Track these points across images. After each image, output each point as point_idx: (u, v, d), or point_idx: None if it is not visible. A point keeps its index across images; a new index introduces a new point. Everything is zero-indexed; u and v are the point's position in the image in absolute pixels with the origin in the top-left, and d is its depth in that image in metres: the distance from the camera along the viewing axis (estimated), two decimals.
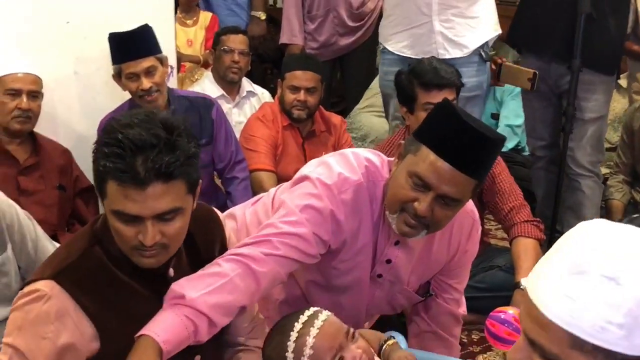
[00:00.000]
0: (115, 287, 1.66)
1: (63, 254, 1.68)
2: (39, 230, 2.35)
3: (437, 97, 2.59)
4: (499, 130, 4.24)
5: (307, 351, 1.61)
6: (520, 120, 4.06)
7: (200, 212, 1.76)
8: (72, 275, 1.60)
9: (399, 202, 1.85)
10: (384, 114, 3.79)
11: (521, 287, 2.49)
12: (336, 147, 3.39)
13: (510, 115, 4.35)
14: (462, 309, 2.27)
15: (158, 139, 1.49)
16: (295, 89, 3.26)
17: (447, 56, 3.16)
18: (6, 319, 1.66)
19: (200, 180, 1.64)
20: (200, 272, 1.72)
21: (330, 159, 1.99)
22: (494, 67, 3.37)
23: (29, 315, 1.59)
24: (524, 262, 2.66)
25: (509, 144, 4.26)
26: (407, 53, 3.27)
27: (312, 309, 1.70)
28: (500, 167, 2.90)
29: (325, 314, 1.69)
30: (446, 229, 2.00)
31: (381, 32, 3.46)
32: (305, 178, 1.94)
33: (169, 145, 1.52)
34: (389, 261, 2.03)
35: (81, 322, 1.61)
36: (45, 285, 1.59)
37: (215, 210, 1.89)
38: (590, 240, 1.11)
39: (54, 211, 2.89)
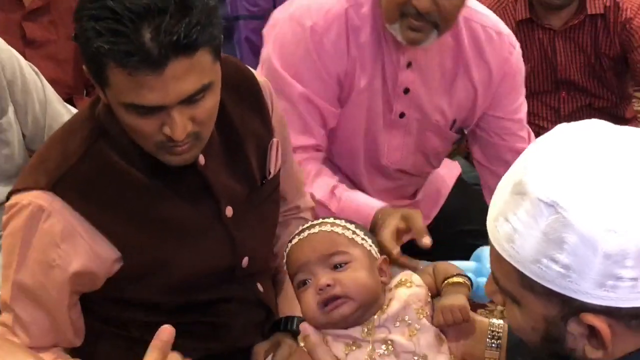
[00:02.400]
0: (132, 190, 1.57)
1: (59, 153, 1.55)
2: (49, 89, 2.22)
3: None
4: None
5: (285, 257, 1.62)
6: None
7: (230, 69, 1.62)
8: (75, 182, 1.49)
9: (396, 5, 1.85)
10: None
11: None
12: None
13: None
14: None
15: (165, 0, 1.35)
16: None
17: None
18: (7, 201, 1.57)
19: (222, 36, 1.52)
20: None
21: None
22: None
23: (29, 239, 1.51)
24: None
25: None
26: None
27: (325, 220, 1.60)
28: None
29: (319, 229, 1.57)
30: (464, 55, 2.05)
31: None
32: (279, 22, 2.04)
33: (182, 4, 1.35)
34: (406, 91, 2.03)
35: (95, 241, 1.53)
36: (41, 199, 1.48)
37: (250, 68, 1.76)
38: (540, 151, 1.09)
39: (68, 68, 2.74)
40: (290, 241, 1.56)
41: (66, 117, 2.08)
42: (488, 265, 1.60)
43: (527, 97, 2.46)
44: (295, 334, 1.67)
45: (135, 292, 1.63)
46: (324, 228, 1.54)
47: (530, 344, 1.15)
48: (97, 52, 1.36)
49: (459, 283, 1.52)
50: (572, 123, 1.11)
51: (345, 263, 1.48)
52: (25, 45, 2.64)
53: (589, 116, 2.30)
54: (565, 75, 2.79)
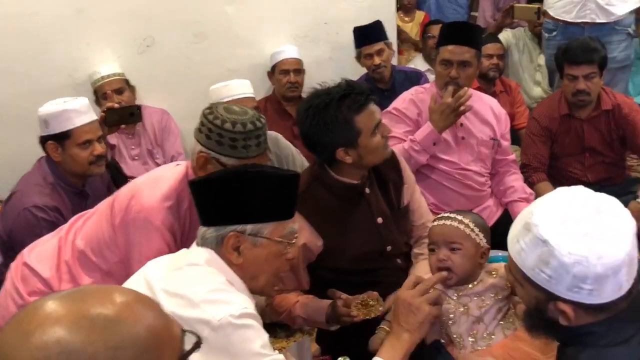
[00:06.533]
0: (329, 205, 2.07)
1: None
2: (306, 163, 2.99)
3: (576, 70, 3.18)
4: None
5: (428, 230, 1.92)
6: None
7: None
8: (301, 200, 1.80)
9: (442, 81, 2.82)
10: None
11: (637, 199, 3.11)
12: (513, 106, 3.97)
13: None
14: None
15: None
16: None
17: (597, 20, 3.71)
18: None
19: None
20: None
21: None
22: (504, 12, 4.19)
23: None
24: None
25: None
26: (565, 17, 3.78)
27: (455, 216, 1.82)
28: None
29: (450, 222, 1.80)
30: (479, 109, 2.91)
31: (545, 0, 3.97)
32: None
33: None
34: (461, 124, 2.89)
35: (310, 230, 2.04)
36: None
37: (395, 151, 2.30)
38: (543, 204, 1.23)
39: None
40: (434, 221, 1.82)
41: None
42: None
43: (564, 156, 3.35)
44: None
45: (328, 262, 2.09)
46: (451, 222, 1.77)
47: (528, 308, 1.33)
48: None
49: None
50: (567, 188, 1.27)
51: (459, 249, 1.74)
52: (294, 139, 3.21)
53: (602, 167, 3.35)
54: (589, 145, 3.37)
